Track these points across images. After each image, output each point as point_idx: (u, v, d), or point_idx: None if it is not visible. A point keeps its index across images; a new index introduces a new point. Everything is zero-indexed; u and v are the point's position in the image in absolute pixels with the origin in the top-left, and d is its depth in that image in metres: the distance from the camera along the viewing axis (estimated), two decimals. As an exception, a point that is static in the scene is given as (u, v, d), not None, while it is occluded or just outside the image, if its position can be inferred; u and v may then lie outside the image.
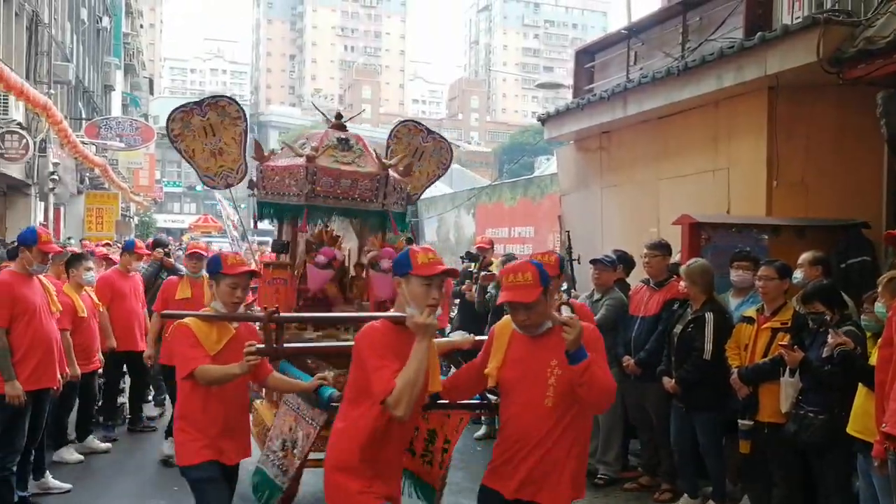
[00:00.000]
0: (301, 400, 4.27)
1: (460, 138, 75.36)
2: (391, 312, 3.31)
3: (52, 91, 17.78)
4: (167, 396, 8.69)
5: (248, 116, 6.22)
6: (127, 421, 8.17)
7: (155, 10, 68.21)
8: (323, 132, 5.61)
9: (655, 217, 9.06)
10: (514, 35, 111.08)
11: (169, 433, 6.82)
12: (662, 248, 6.49)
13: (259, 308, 7.48)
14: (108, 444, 7.08)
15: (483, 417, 7.78)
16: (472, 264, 9.49)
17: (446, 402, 3.77)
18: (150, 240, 10.47)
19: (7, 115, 14.25)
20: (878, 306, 4.35)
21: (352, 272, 5.87)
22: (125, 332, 7.57)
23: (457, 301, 9.33)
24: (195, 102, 6.05)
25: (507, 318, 3.48)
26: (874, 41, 6.06)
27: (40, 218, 18.19)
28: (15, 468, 5.33)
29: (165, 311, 5.99)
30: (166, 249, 9.16)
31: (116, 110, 34.23)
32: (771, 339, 5.21)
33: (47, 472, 6.15)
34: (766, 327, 5.28)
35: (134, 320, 7.67)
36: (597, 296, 6.77)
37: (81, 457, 6.94)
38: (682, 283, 5.86)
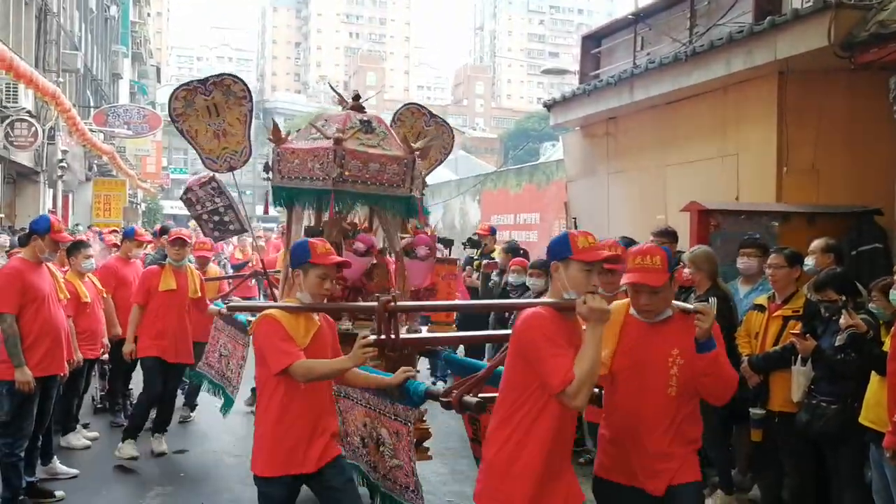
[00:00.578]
0: (371, 394, 4.00)
1: (465, 124, 75.12)
2: (547, 299, 3.12)
3: (60, 79, 17.78)
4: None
5: (253, 96, 5.99)
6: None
7: (161, -3, 68.13)
8: (344, 114, 5.34)
9: (663, 204, 8.99)
10: (519, 20, 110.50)
11: (156, 430, 6.85)
12: (668, 236, 6.43)
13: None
14: (88, 442, 6.99)
15: None
16: (475, 251, 9.44)
17: None
18: (158, 226, 10.42)
19: (16, 103, 14.25)
20: (893, 293, 4.28)
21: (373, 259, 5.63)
22: (128, 319, 7.38)
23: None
24: (199, 81, 5.82)
25: (617, 304, 3.37)
26: (887, 25, 5.98)
27: (49, 205, 18.26)
28: (23, 453, 5.35)
29: (233, 304, 5.85)
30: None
31: (124, 98, 34.23)
32: (782, 327, 5.15)
33: (55, 457, 6.17)
34: (777, 315, 5.22)
35: None
36: (603, 282, 6.72)
37: (89, 442, 6.96)
38: (687, 270, 5.80)
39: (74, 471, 6.16)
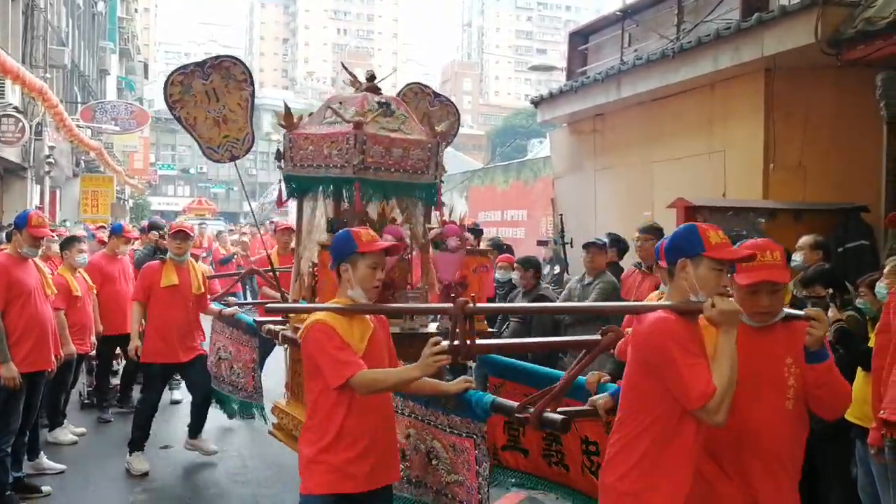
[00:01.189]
0: (417, 404, 3.68)
1: (453, 121, 74.95)
2: (667, 302, 2.73)
3: (47, 75, 17.64)
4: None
5: (254, 79, 5.62)
6: (117, 401, 8.12)
7: (148, -7, 67.66)
8: (360, 96, 4.89)
9: (650, 200, 9.01)
10: (506, 17, 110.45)
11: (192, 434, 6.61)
12: (655, 232, 6.42)
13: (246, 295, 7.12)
14: (75, 437, 6.95)
15: None
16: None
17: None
18: (146, 222, 10.37)
19: (3, 99, 14.17)
20: (880, 286, 4.31)
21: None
22: (115, 315, 7.51)
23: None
24: (196, 63, 5.44)
25: None
26: (874, 22, 6.01)
27: (36, 201, 18.17)
28: (10, 449, 5.31)
29: (272, 305, 5.18)
30: (161, 232, 8.97)
31: (111, 94, 33.99)
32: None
33: (41, 452, 6.14)
34: (763, 312, 5.22)
35: (124, 303, 7.55)
36: (588, 279, 6.70)
37: (76, 438, 6.94)
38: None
39: (61, 466, 6.13)
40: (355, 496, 3.24)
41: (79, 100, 24.44)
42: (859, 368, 4.34)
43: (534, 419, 2.98)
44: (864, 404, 4.22)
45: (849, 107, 7.15)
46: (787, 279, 2.79)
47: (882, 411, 3.93)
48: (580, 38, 11.96)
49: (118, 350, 8.03)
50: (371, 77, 5.07)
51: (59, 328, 6.00)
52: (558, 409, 3.02)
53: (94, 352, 7.55)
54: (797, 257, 5.47)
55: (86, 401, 8.08)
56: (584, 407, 3.25)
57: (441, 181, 4.99)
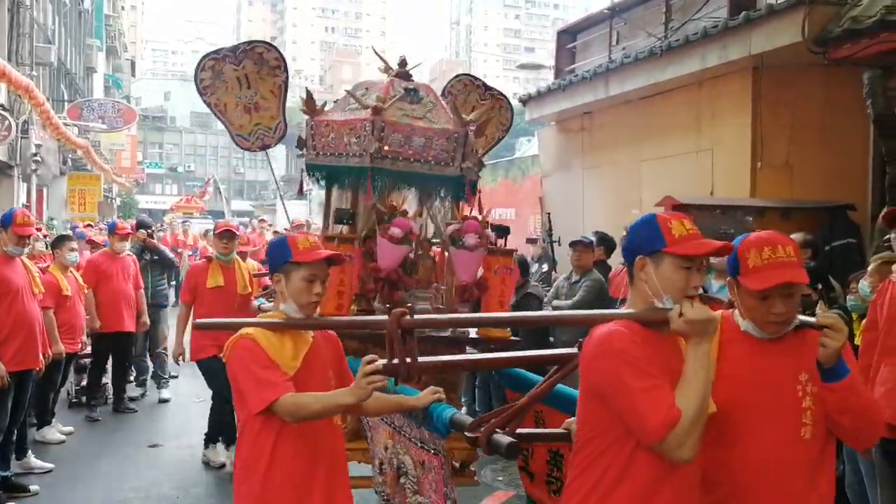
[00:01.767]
0: (415, 426, 3.32)
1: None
2: (627, 310, 2.30)
3: (34, 73, 17.53)
4: (148, 377, 8.66)
5: (288, 66, 5.40)
6: (110, 401, 8.16)
7: (134, -10, 67.33)
8: (387, 81, 4.63)
9: (638, 198, 9.01)
10: (495, 15, 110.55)
11: (210, 440, 6.38)
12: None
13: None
14: (63, 436, 6.94)
15: None
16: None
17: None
18: (134, 221, 10.34)
19: (-11, 97, 14.09)
20: (863, 284, 4.33)
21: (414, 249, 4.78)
22: (111, 313, 7.54)
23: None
24: (229, 49, 5.24)
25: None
26: (860, 21, 6.03)
27: (23, 199, 18.08)
28: (-2, 448, 5.32)
29: (200, 321, 5.00)
30: (149, 231, 9.05)
31: (98, 92, 33.79)
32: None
33: (29, 451, 6.12)
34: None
35: (121, 301, 7.63)
36: (575, 277, 6.72)
37: (64, 437, 6.93)
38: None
39: (49, 465, 6.12)
40: None
41: (65, 98, 24.30)
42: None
43: (482, 440, 2.60)
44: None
45: (836, 105, 7.17)
46: (807, 279, 2.33)
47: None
48: (568, 37, 11.96)
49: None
50: (403, 63, 4.78)
51: (48, 327, 6.00)
52: (519, 431, 2.64)
53: (89, 349, 7.62)
54: (786, 256, 5.48)
55: (74, 400, 8.09)
56: (553, 430, 2.82)
57: (478, 176, 4.71)
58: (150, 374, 8.76)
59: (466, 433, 2.71)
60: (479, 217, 4.48)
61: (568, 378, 2.63)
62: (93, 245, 8.69)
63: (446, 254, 4.56)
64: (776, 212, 6.79)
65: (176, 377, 9.00)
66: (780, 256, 2.32)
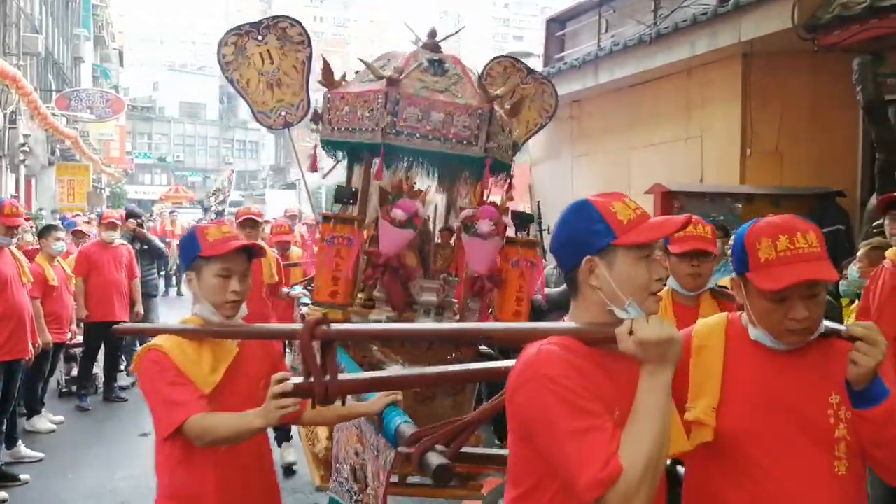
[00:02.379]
0: (374, 432, 2.94)
1: (431, 109, 74.93)
2: (567, 324, 1.80)
3: (21, 63, 17.42)
4: None
5: (311, 41, 5.15)
6: (100, 391, 8.15)
7: (121, -22, 66.74)
8: (412, 51, 4.24)
9: (627, 186, 9.01)
10: (484, 3, 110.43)
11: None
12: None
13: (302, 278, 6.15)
14: (53, 426, 6.92)
15: None
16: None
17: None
18: (123, 210, 10.29)
19: (-23, 87, 13.99)
20: (853, 269, 4.34)
21: (437, 238, 4.47)
22: (103, 302, 7.55)
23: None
24: (251, 24, 5.06)
25: (711, 320, 2.08)
26: (850, 7, 6.01)
27: (11, 189, 18.00)
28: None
29: (120, 326, 3.97)
30: (139, 221, 9.02)
31: (86, 82, 33.59)
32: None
33: (20, 441, 6.12)
34: (740, 296, 5.23)
35: (113, 290, 7.63)
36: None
37: (54, 426, 6.92)
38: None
39: (40, 454, 6.12)
40: None
41: (53, 88, 24.14)
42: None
43: (415, 457, 2.21)
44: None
45: (825, 92, 7.18)
46: (835, 275, 1.88)
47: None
48: (557, 25, 11.93)
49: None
50: (433, 34, 4.36)
51: (35, 317, 5.99)
52: (465, 451, 2.29)
53: (79, 339, 7.64)
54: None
55: (64, 389, 8.08)
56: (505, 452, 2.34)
57: (512, 161, 4.29)
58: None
59: (400, 448, 2.38)
60: (499, 202, 4.09)
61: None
62: (79, 235, 8.65)
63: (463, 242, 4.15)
64: (765, 198, 6.80)
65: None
66: (800, 247, 1.85)
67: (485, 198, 4.21)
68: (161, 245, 9.56)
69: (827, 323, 1.90)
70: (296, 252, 7.88)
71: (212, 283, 2.46)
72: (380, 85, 3.94)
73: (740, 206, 6.81)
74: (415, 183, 4.21)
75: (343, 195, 4.12)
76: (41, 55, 21.30)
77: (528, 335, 1.80)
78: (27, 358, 5.69)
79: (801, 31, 6.35)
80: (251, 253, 2.55)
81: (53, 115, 18.90)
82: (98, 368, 8.17)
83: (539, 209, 7.70)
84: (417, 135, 3.93)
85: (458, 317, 4.14)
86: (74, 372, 8.02)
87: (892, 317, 3.85)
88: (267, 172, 55.31)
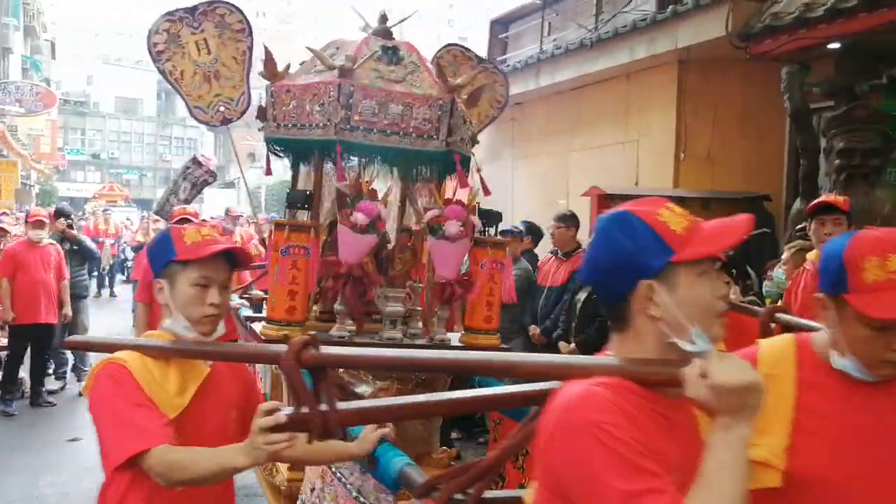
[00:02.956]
0: (359, 472, 2.59)
1: (374, 108, 74.53)
2: (613, 359, 1.48)
3: (-57, 52, 16.79)
4: (67, 370, 8.44)
5: (252, 30, 4.80)
6: (27, 395, 7.91)
7: (53, -33, 64.79)
8: (363, 38, 3.94)
9: (565, 188, 9.13)
10: (428, 3, 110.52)
11: None
12: (569, 220, 6.52)
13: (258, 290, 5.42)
14: None
15: None
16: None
17: None
18: (52, 209, 9.94)
19: None
20: (779, 272, 4.48)
21: (390, 240, 4.22)
22: (29, 304, 7.34)
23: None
24: (186, 10, 4.66)
25: (778, 343, 1.84)
26: (780, 17, 6.19)
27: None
28: None
29: (71, 339, 3.16)
30: (69, 220, 8.67)
31: (15, 74, 32.50)
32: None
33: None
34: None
35: (40, 291, 7.41)
36: (505, 266, 6.73)
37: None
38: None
39: None
40: None
41: (-21, 79, 23.37)
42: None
43: None
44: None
45: (755, 99, 7.39)
46: None
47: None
48: (501, 27, 12.02)
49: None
50: (383, 18, 4.06)
51: None
52: (487, 496, 1.94)
53: (4, 341, 7.48)
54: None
55: None
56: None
57: (471, 154, 4.03)
58: (70, 366, 8.52)
59: (416, 499, 2.15)
60: (468, 199, 3.83)
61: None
62: (1, 234, 8.37)
63: (426, 245, 3.92)
64: (697, 202, 6.97)
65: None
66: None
67: (454, 196, 3.94)
68: (92, 246, 9.24)
69: None
70: None
71: (187, 293, 2.13)
72: (331, 76, 3.65)
73: (674, 209, 6.97)
74: (371, 183, 3.88)
75: (297, 200, 3.77)
76: (-34, 46, 20.62)
77: (566, 371, 1.49)
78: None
79: (735, 39, 6.51)
80: (234, 260, 2.20)
81: (-21, 108, 18.31)
82: (24, 372, 7.91)
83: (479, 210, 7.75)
84: (374, 130, 3.64)
85: (423, 326, 3.93)
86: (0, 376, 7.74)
87: (812, 318, 3.98)
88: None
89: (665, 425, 1.38)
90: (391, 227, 4.25)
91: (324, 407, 1.72)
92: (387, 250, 4.03)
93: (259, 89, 4.36)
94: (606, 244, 1.49)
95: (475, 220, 3.79)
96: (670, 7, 7.26)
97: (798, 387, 1.69)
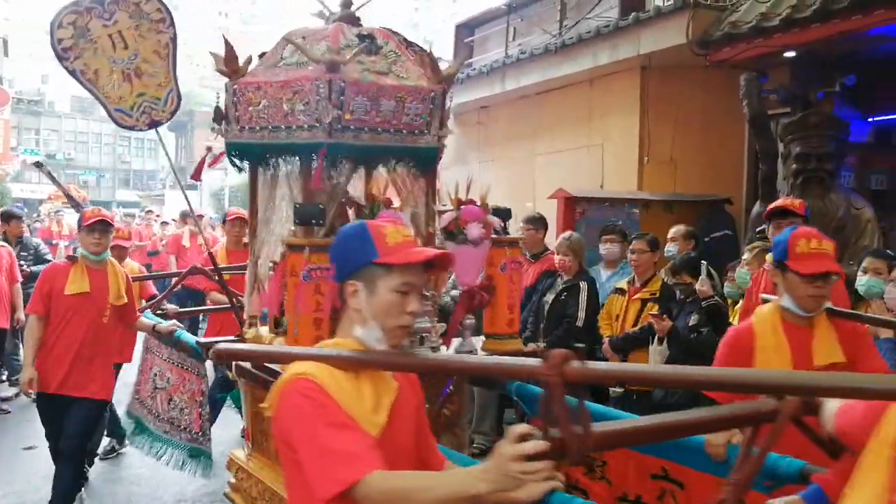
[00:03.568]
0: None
1: (338, 110, 74.09)
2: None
3: None
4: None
5: (174, 20, 4.23)
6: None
7: (8, -37, 63.42)
8: (333, 27, 3.55)
9: (532, 192, 9.23)
10: (394, 7, 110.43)
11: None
12: (538, 222, 6.61)
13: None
14: None
15: None
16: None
17: None
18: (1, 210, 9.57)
19: None
20: (740, 272, 4.60)
21: None
22: None
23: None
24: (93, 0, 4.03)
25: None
26: (738, 26, 6.36)
27: None
28: None
29: (221, 346, 2.56)
30: (14, 223, 8.22)
31: (-35, 71, 31.85)
32: (641, 309, 5.41)
33: None
34: (636, 298, 5.47)
35: None
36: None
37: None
38: (558, 257, 5.96)
39: None
40: None
41: (-69, 77, 22.81)
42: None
43: None
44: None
45: (715, 105, 7.57)
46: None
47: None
48: (466, 31, 12.10)
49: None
50: (347, 3, 3.70)
51: None
52: None
53: None
54: (671, 247, 5.77)
55: None
56: None
57: (442, 145, 3.66)
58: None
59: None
60: (480, 198, 3.59)
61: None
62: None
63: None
64: (660, 204, 7.13)
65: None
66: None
67: (433, 195, 3.72)
68: (44, 249, 8.77)
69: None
70: (131, 265, 6.60)
71: (387, 300, 1.86)
72: (313, 71, 3.26)
73: (637, 211, 7.11)
74: (385, 191, 3.66)
75: (308, 215, 3.33)
76: (-82, 42, 20.13)
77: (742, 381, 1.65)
78: None
79: (695, 46, 6.67)
80: (433, 265, 1.97)
81: (-69, 106, 17.87)
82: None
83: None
84: (366, 129, 3.31)
85: (445, 337, 3.59)
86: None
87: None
88: (167, 172, 53.74)
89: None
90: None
91: (578, 429, 1.52)
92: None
93: (213, 88, 3.93)
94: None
95: (493, 219, 3.55)
96: (633, 14, 7.40)
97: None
